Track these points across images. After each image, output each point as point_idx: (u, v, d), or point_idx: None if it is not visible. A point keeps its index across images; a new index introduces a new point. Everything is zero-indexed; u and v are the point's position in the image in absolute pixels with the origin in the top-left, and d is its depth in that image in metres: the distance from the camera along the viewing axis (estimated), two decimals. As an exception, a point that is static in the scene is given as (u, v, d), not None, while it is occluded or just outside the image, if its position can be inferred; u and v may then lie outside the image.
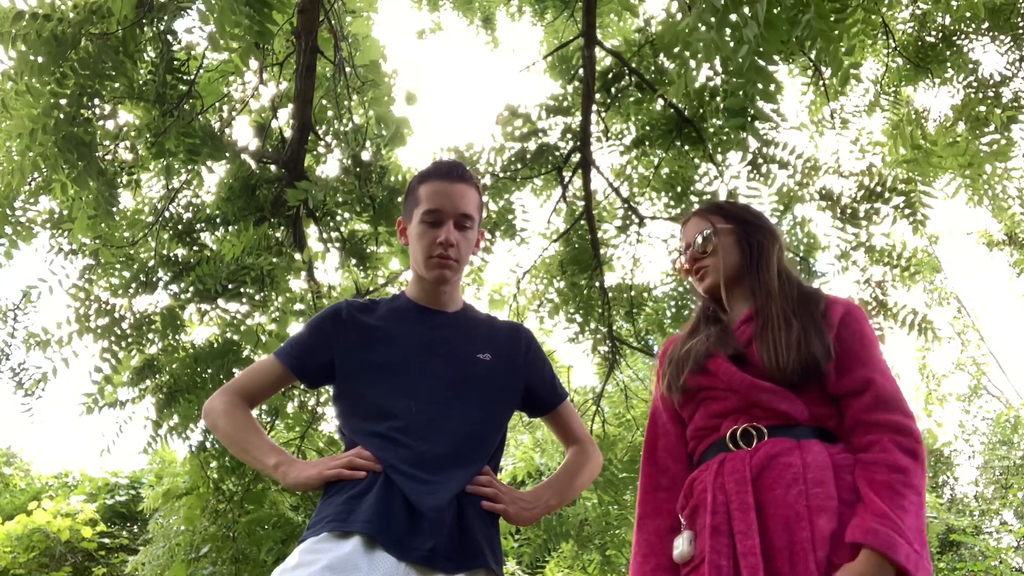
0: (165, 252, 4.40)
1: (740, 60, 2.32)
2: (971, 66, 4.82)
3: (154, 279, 4.26)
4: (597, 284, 4.71)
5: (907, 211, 4.15)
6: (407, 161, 6.49)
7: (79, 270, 4.29)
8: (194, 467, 4.71)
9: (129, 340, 4.16)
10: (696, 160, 4.49)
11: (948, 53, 4.83)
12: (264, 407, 4.57)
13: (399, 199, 4.47)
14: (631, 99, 4.57)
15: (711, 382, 1.73)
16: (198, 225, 4.55)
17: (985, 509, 11.57)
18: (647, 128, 4.52)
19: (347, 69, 4.69)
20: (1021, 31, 4.67)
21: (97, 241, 4.22)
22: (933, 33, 4.91)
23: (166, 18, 3.57)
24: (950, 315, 12.71)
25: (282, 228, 4.62)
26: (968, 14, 4.72)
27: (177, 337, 4.28)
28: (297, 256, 4.45)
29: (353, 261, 4.83)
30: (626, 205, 4.72)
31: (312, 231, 4.91)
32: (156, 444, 4.35)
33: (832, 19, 2.98)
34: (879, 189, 4.17)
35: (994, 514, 11.37)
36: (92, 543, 8.00)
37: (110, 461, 13.02)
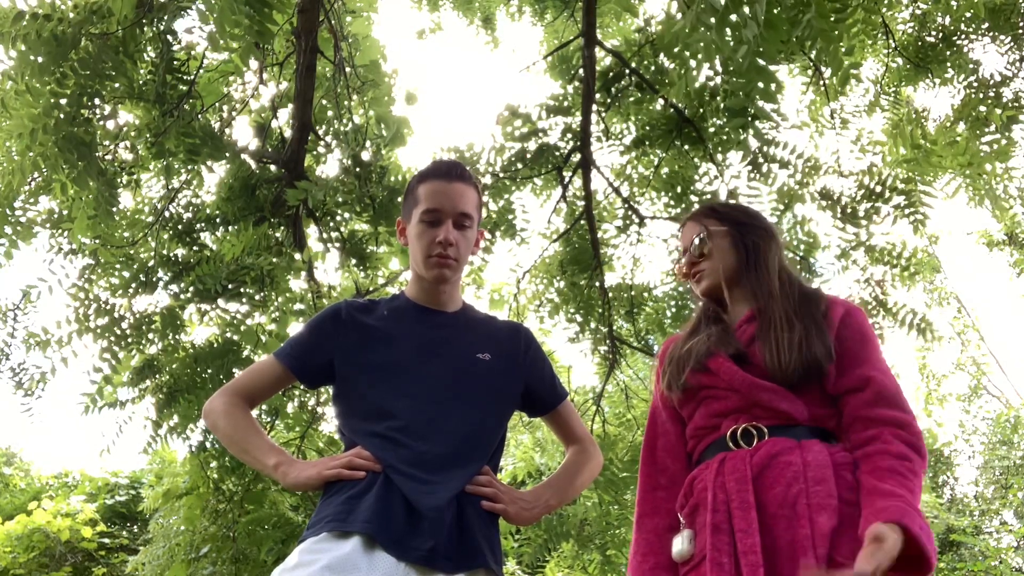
0: (165, 252, 4.40)
1: (740, 60, 2.32)
2: (971, 66, 4.82)
3: (154, 279, 4.26)
4: (597, 284, 4.71)
5: (907, 211, 4.15)
6: (407, 161, 6.49)
7: (79, 270, 4.30)
8: (194, 467, 4.71)
9: (129, 340, 4.16)
10: (696, 160, 4.49)
11: (948, 53, 4.83)
12: (264, 407, 4.57)
13: (399, 199, 4.46)
14: (631, 99, 4.58)
15: (712, 381, 1.73)
16: (198, 225, 4.55)
17: (985, 509, 11.57)
18: (647, 128, 4.53)
19: (347, 69, 4.69)
20: (1021, 31, 4.67)
21: (97, 241, 4.22)
22: (933, 33, 4.91)
23: (166, 18, 3.57)
24: (950, 315, 12.72)
25: (282, 228, 4.62)
26: (968, 14, 4.73)
27: (177, 337, 4.28)
28: (297, 256, 4.45)
29: (353, 261, 4.83)
30: (626, 205, 4.72)
31: (312, 231, 4.91)
32: (156, 444, 4.35)
33: (832, 19, 2.98)
34: (879, 189, 4.17)
35: (994, 514, 11.37)
36: (92, 543, 7.99)
37: (110, 461, 13.03)
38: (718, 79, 4.14)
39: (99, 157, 3.67)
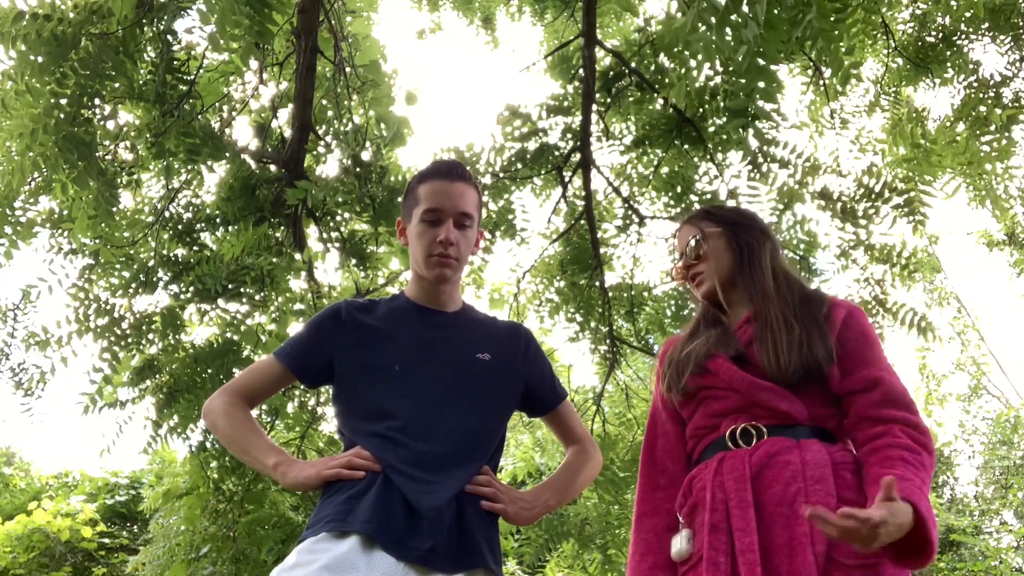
0: (165, 252, 4.40)
1: (741, 60, 2.32)
2: (971, 66, 4.82)
3: (154, 279, 4.26)
4: (597, 284, 4.71)
5: (907, 210, 4.15)
6: (407, 161, 6.50)
7: (79, 270, 4.30)
8: (194, 467, 4.71)
9: (129, 340, 4.17)
10: (696, 160, 4.49)
11: (948, 53, 4.83)
12: (264, 407, 4.57)
13: (399, 199, 4.46)
14: (631, 99, 4.58)
15: (711, 381, 1.74)
16: (198, 225, 4.55)
17: (985, 509, 11.57)
18: (647, 128, 4.53)
19: (347, 69, 4.70)
20: (1021, 31, 4.67)
21: (97, 241, 4.22)
22: (933, 33, 4.91)
23: (166, 18, 3.58)
24: (950, 315, 12.70)
25: (282, 228, 4.62)
26: (968, 14, 4.73)
27: (177, 337, 4.28)
28: (297, 256, 4.45)
29: (353, 261, 4.83)
30: (626, 205, 4.72)
31: (312, 231, 4.91)
32: (156, 444, 4.35)
33: (832, 19, 2.98)
34: (879, 188, 4.17)
35: (994, 514, 11.36)
36: (92, 543, 8.00)
37: (110, 461, 13.00)
38: (718, 79, 4.14)
39: (99, 157, 3.67)
